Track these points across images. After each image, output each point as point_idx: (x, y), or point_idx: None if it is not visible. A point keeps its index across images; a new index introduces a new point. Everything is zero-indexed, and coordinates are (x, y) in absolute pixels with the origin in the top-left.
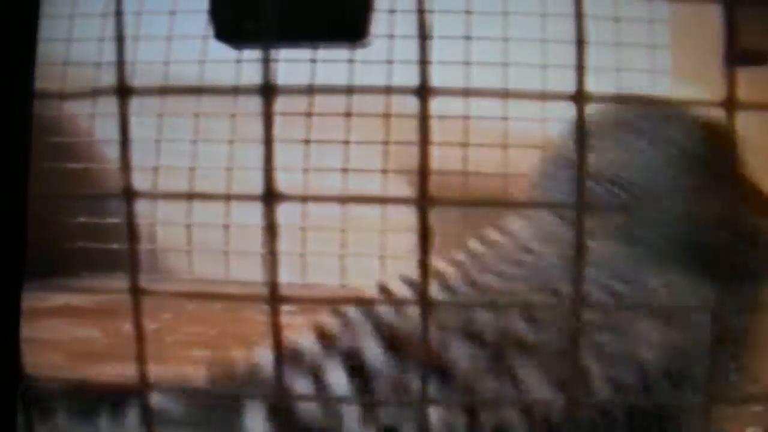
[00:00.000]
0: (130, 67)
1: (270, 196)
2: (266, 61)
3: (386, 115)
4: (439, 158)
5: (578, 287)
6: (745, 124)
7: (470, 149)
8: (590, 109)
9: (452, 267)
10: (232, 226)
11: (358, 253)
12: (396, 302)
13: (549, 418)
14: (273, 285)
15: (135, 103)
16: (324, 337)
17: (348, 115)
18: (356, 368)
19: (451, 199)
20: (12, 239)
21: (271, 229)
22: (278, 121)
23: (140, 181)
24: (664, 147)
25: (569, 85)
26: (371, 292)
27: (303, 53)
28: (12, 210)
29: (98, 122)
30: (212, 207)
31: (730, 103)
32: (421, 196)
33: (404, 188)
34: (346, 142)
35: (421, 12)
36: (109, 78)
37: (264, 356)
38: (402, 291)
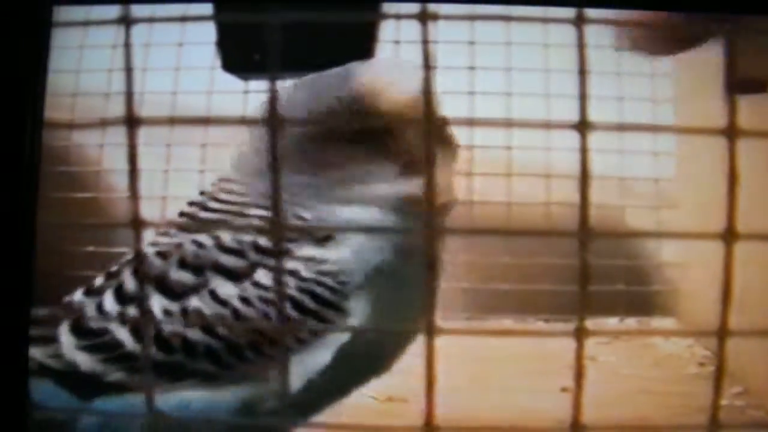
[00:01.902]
0: (139, 98)
1: (278, 227)
2: (273, 92)
3: None
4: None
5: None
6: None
7: (474, 178)
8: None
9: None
10: None
11: None
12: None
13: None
14: (281, 313)
15: (143, 133)
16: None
17: None
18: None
19: (456, 228)
20: (21, 267)
21: (278, 257)
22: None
23: (148, 210)
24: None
25: (572, 115)
26: None
27: None
28: (21, 238)
29: (107, 152)
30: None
31: (731, 131)
32: (426, 225)
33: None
34: None
35: (425, 42)
36: (117, 108)
37: None
38: None
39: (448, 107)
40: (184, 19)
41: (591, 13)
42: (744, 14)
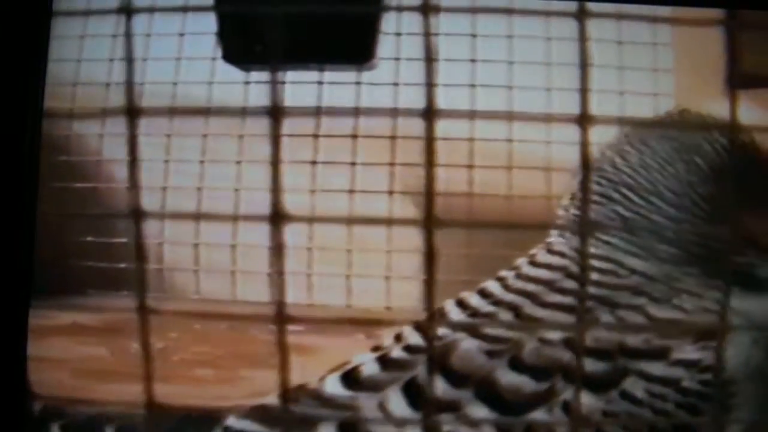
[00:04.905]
0: (139, 88)
1: (277, 217)
2: (274, 83)
3: (393, 137)
4: (445, 180)
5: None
6: None
7: (475, 171)
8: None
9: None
10: (240, 246)
11: (364, 273)
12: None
13: None
14: (280, 305)
15: (143, 124)
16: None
17: (354, 136)
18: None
19: (456, 221)
20: (21, 258)
21: (278, 250)
22: (285, 143)
23: (148, 200)
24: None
25: (573, 108)
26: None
27: (310, 75)
28: (21, 228)
29: (107, 142)
30: (220, 227)
31: (732, 125)
32: (426, 217)
33: (410, 209)
34: (353, 164)
35: (427, 35)
36: (118, 98)
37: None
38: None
39: (449, 100)
40: (185, 9)
41: (593, 6)
42: (746, 8)
